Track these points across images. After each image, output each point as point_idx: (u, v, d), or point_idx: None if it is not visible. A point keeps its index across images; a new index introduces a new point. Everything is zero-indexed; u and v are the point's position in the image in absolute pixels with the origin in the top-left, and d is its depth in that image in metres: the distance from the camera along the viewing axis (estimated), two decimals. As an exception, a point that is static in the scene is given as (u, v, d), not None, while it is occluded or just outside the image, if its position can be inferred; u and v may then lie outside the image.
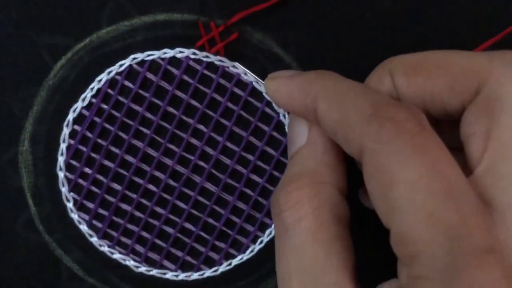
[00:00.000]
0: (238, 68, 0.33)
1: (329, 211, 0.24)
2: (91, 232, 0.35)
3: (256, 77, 0.33)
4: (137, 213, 0.35)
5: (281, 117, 0.34)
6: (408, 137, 0.21)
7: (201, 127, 0.34)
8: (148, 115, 0.33)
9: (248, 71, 0.33)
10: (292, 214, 0.24)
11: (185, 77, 0.33)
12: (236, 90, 0.33)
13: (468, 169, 0.23)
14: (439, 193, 0.20)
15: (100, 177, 0.34)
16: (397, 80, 0.26)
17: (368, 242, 0.30)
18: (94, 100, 0.33)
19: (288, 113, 0.32)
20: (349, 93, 0.24)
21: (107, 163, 0.34)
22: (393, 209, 0.21)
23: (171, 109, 0.33)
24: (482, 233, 0.20)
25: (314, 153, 0.26)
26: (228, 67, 0.33)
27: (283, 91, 0.27)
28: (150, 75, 0.33)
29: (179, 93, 0.33)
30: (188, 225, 0.35)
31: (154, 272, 0.35)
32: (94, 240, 0.35)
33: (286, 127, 0.34)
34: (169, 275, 0.35)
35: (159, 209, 0.35)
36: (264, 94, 0.33)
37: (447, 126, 0.26)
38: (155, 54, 0.33)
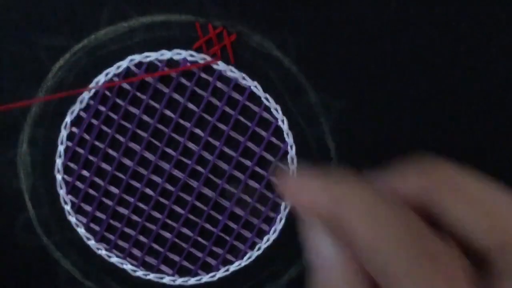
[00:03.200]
0: (235, 72, 0.32)
1: None
2: (88, 235, 0.34)
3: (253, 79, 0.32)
4: (134, 217, 0.34)
5: (279, 123, 0.33)
6: None
7: (198, 131, 0.33)
8: (145, 117, 0.33)
9: (246, 75, 0.32)
10: None
11: (182, 80, 0.33)
12: (234, 94, 0.33)
13: None
14: None
15: (98, 180, 0.34)
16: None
17: None
18: (92, 102, 0.33)
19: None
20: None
21: (104, 166, 0.34)
22: None
23: (168, 112, 0.33)
24: None
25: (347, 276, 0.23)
26: (225, 71, 0.32)
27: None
28: (147, 77, 0.33)
29: (176, 96, 0.33)
30: (185, 230, 0.34)
31: (152, 276, 0.35)
32: (92, 243, 0.34)
33: (284, 133, 0.33)
34: (167, 280, 0.35)
35: (156, 214, 0.34)
36: (262, 98, 0.33)
37: None
38: (153, 56, 0.32)
